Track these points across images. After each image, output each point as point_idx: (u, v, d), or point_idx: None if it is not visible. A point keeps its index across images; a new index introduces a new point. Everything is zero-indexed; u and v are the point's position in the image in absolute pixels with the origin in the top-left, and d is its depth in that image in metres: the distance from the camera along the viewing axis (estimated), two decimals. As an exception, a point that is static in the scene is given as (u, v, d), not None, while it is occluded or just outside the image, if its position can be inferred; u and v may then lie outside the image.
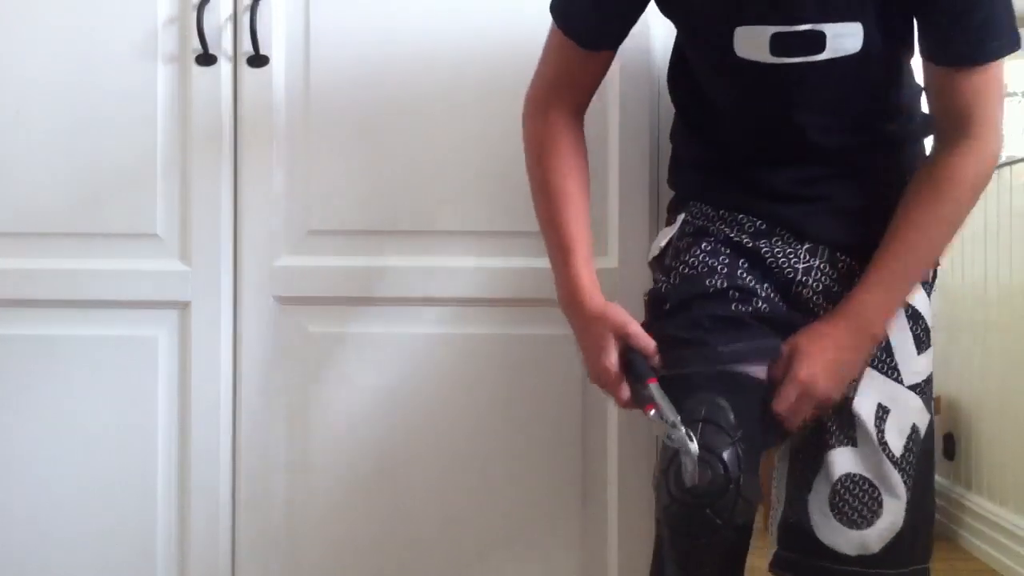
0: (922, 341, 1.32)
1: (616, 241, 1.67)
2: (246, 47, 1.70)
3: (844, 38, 1.21)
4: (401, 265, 1.72)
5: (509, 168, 1.70)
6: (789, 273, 1.31)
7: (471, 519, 1.72)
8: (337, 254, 1.72)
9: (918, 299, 1.32)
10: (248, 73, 1.71)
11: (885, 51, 1.25)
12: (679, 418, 1.16)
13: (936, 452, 3.62)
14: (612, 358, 1.24)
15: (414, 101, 1.71)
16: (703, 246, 1.33)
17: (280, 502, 1.73)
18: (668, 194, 1.52)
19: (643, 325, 1.30)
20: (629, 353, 1.25)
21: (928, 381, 1.33)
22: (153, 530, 1.73)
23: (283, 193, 1.72)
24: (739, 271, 1.30)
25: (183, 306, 1.73)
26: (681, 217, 1.40)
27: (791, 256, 1.31)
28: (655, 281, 1.42)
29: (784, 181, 1.33)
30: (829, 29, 1.21)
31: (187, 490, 1.73)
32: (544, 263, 1.68)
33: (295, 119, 1.72)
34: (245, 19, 1.70)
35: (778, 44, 1.22)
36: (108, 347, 1.73)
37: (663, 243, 1.41)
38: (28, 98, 1.73)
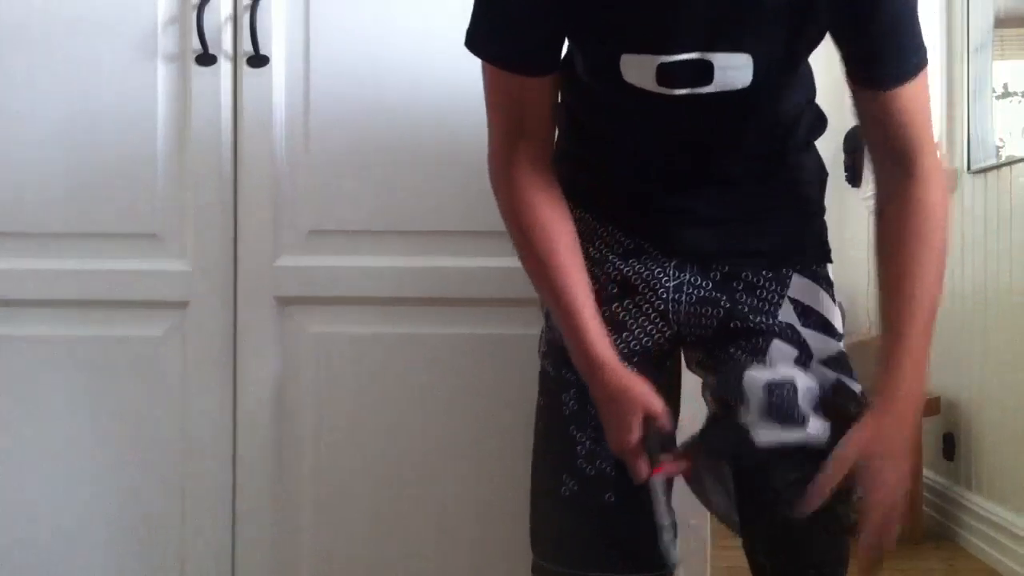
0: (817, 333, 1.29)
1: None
2: (246, 47, 1.70)
3: (732, 71, 1.16)
4: (401, 265, 1.72)
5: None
6: (662, 293, 1.30)
7: (469, 518, 1.72)
8: (337, 254, 1.72)
9: (808, 294, 1.29)
10: (248, 73, 1.71)
11: (779, 81, 1.22)
12: (668, 522, 1.21)
13: (936, 452, 3.63)
14: (635, 436, 1.20)
15: (414, 101, 1.71)
16: None
17: (279, 501, 1.73)
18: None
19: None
20: (648, 431, 1.22)
21: (844, 356, 1.29)
22: (151, 528, 1.73)
23: (283, 193, 1.72)
24: (611, 308, 1.30)
25: (183, 306, 1.73)
26: None
27: (660, 275, 1.30)
28: (540, 305, 1.39)
29: (647, 194, 1.31)
30: (716, 59, 1.16)
31: (187, 489, 1.73)
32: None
33: (295, 119, 1.72)
34: (245, 19, 1.70)
35: (664, 74, 1.17)
36: (108, 347, 1.73)
37: None
38: (28, 98, 1.73)
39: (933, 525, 3.43)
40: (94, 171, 1.72)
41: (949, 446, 3.44)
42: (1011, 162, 3.07)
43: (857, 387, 1.26)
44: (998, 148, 3.25)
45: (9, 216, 1.73)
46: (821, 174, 1.41)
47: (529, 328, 1.70)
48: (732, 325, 1.28)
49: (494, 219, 1.71)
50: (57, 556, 1.74)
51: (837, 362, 1.27)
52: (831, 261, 1.36)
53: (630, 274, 1.31)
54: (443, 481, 1.72)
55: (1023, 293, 2.95)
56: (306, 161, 1.72)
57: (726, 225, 1.30)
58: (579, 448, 1.28)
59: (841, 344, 1.30)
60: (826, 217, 1.40)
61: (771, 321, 1.27)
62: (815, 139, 1.38)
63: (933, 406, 3.40)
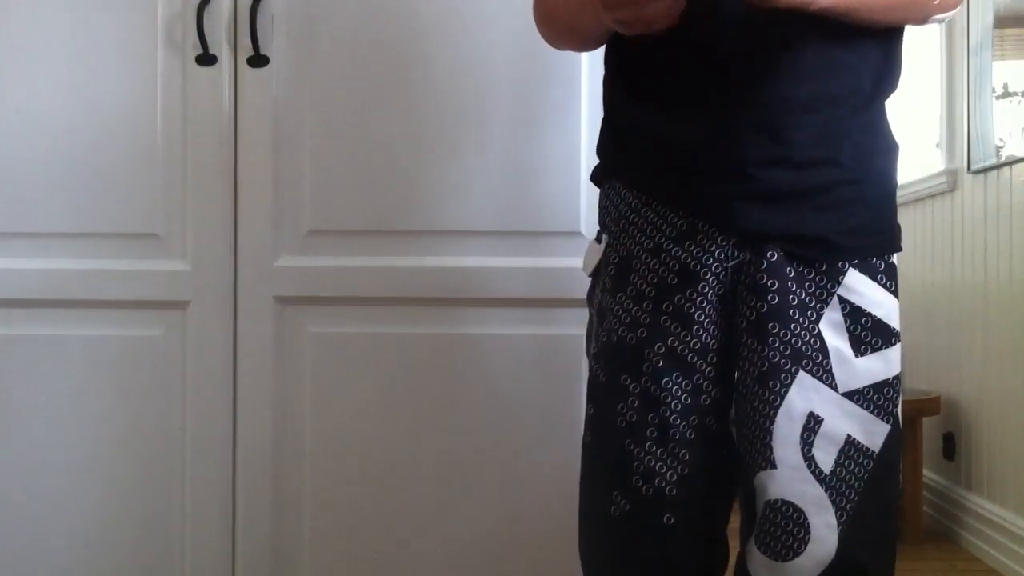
0: (864, 342, 1.19)
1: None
2: (246, 47, 1.70)
3: None
4: (401, 265, 1.72)
5: (509, 168, 1.71)
6: (723, 276, 1.19)
7: (469, 518, 1.72)
8: (337, 254, 1.72)
9: (862, 292, 1.20)
10: (248, 73, 1.71)
11: None
12: None
13: (936, 452, 3.63)
14: None
15: (414, 101, 1.71)
16: (624, 303, 1.22)
17: (279, 501, 1.73)
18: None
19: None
20: None
21: (880, 387, 1.19)
22: (152, 528, 1.73)
23: (283, 193, 1.72)
24: (662, 319, 1.20)
25: (183, 306, 1.73)
26: (605, 240, 1.28)
27: (720, 256, 1.19)
28: (590, 297, 1.34)
29: (709, 160, 1.19)
30: None
31: (186, 489, 1.73)
32: (544, 262, 1.69)
33: (295, 119, 1.72)
34: (245, 19, 1.70)
35: None
36: (108, 347, 1.73)
37: (594, 264, 1.30)
38: (29, 98, 1.73)
39: (933, 525, 3.43)
40: (94, 171, 1.72)
41: (949, 446, 3.44)
42: (1011, 162, 3.07)
43: (882, 431, 1.18)
44: (998, 148, 3.25)
45: (9, 216, 1.73)
46: (894, 144, 1.27)
47: (530, 328, 1.71)
48: (771, 326, 1.17)
49: (494, 219, 1.72)
50: (57, 555, 1.74)
51: (877, 390, 1.19)
52: (900, 249, 1.24)
53: (688, 260, 1.19)
54: (443, 481, 1.72)
55: (1023, 292, 2.95)
56: (306, 161, 1.72)
57: (791, 201, 1.18)
58: (635, 464, 1.18)
59: (895, 349, 1.20)
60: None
61: (808, 337, 1.17)
62: (885, 92, 1.25)
63: (933, 406, 3.40)
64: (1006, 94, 3.31)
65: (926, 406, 3.39)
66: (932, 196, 3.61)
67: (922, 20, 1.24)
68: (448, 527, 1.72)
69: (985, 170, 3.21)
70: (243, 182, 1.72)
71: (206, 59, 1.70)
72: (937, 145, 3.73)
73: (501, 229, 1.72)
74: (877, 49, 1.22)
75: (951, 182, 3.46)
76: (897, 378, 1.21)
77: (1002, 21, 3.22)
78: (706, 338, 1.19)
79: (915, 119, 3.85)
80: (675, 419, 1.18)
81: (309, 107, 1.72)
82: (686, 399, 1.19)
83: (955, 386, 3.43)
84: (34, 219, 1.73)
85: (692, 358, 1.19)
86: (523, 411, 1.71)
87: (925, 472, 3.46)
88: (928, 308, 3.64)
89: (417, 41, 1.71)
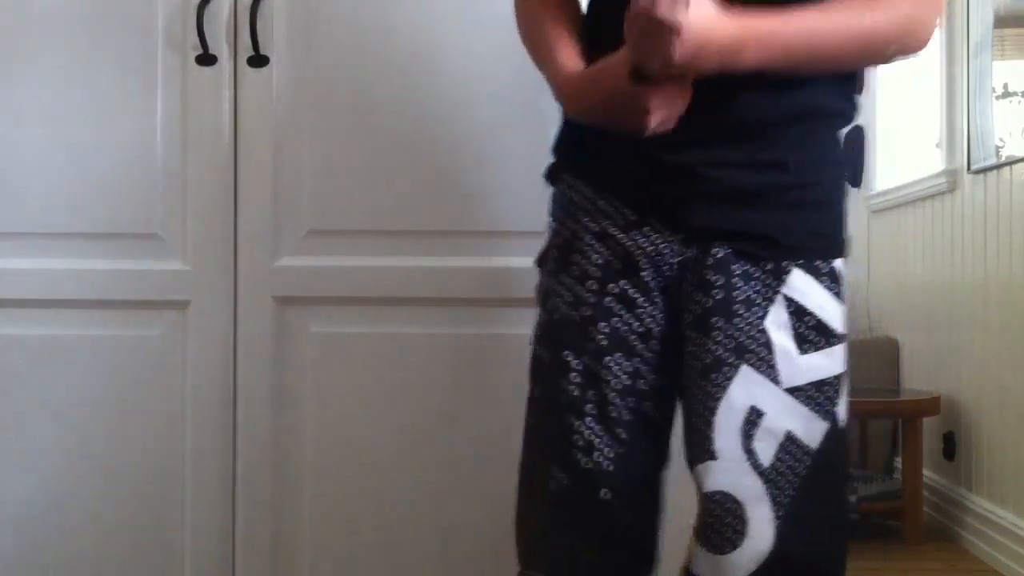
0: (808, 340, 1.19)
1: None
2: (246, 47, 1.70)
3: None
4: (401, 265, 1.72)
5: (510, 168, 1.71)
6: (667, 271, 1.21)
7: (470, 518, 1.72)
8: (337, 254, 1.72)
9: (806, 292, 1.20)
10: (248, 73, 1.71)
11: None
12: None
13: (936, 452, 3.63)
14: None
15: (413, 100, 1.71)
16: (567, 283, 1.25)
17: (279, 501, 1.73)
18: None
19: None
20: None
21: (819, 385, 1.18)
22: (152, 528, 1.73)
23: (283, 193, 1.72)
24: (606, 300, 1.22)
25: (183, 306, 1.73)
26: (552, 225, 1.31)
27: (665, 251, 1.21)
28: (537, 291, 1.34)
29: (663, 159, 1.20)
30: None
31: (186, 489, 1.73)
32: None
33: (295, 119, 1.72)
34: (245, 19, 1.70)
35: None
36: (108, 347, 1.73)
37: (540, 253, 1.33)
38: (28, 98, 1.73)
39: (934, 525, 3.44)
40: (94, 171, 1.72)
41: (949, 446, 3.45)
42: (1011, 162, 3.07)
43: (820, 428, 1.18)
44: (998, 148, 3.25)
45: (9, 216, 1.73)
46: (844, 158, 1.29)
47: (529, 328, 1.70)
48: (714, 320, 1.18)
49: (494, 220, 1.72)
50: (56, 555, 1.74)
51: (817, 388, 1.19)
52: (844, 255, 1.26)
53: (633, 249, 1.22)
54: (443, 480, 1.72)
55: (1023, 292, 2.96)
56: (306, 161, 1.72)
57: (741, 201, 1.20)
58: (575, 438, 1.19)
59: (838, 349, 1.21)
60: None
61: (752, 332, 1.18)
62: (840, 104, 1.26)
63: (933, 406, 3.40)
64: (1006, 94, 3.32)
65: (926, 406, 3.39)
66: (932, 196, 3.62)
67: (880, 63, 1.24)
68: (449, 528, 1.72)
69: (985, 170, 3.22)
70: (243, 182, 1.72)
71: (206, 59, 1.70)
72: (937, 145, 3.73)
73: (500, 229, 1.72)
74: (836, 89, 1.24)
75: (951, 182, 3.46)
76: (839, 378, 1.21)
77: (1002, 21, 3.22)
78: (650, 323, 1.22)
79: (915, 119, 3.86)
80: (614, 397, 1.20)
81: (309, 107, 1.72)
82: (627, 380, 1.21)
83: (955, 386, 3.43)
84: (34, 219, 1.73)
85: (634, 340, 1.21)
86: (521, 411, 1.71)
87: (925, 472, 3.47)
88: (928, 308, 3.65)
89: (416, 41, 1.71)
